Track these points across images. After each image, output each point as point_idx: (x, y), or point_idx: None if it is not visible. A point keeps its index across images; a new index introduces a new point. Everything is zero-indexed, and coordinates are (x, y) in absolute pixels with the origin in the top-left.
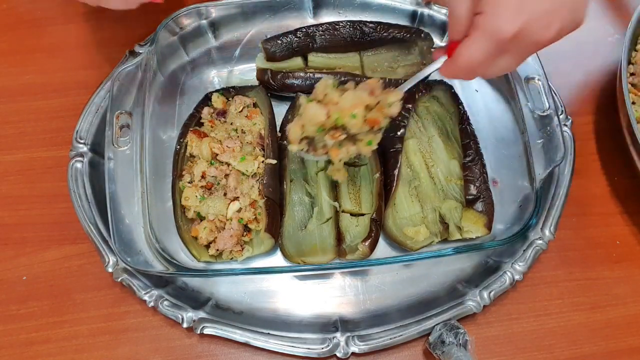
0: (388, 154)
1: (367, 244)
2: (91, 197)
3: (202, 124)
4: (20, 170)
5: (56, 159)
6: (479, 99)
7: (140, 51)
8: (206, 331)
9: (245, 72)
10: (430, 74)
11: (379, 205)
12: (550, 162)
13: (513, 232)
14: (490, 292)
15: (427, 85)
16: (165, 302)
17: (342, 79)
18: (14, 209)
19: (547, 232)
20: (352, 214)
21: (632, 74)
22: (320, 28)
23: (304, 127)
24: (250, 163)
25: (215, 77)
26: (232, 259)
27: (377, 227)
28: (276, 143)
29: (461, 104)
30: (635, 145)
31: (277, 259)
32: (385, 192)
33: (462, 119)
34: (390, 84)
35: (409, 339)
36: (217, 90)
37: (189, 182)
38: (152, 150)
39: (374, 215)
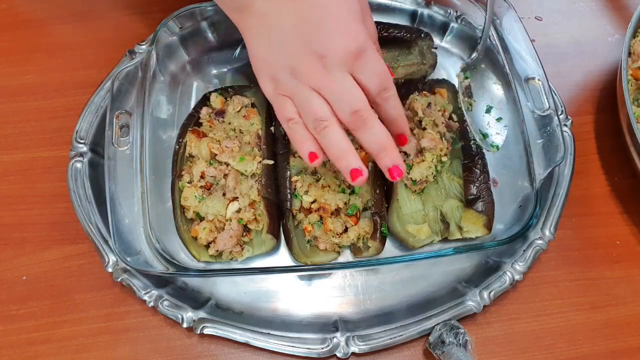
0: None
1: (376, 239)
2: (91, 197)
3: (200, 124)
4: (20, 170)
5: (56, 159)
6: (480, 99)
7: (140, 51)
8: (206, 331)
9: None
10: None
11: (376, 198)
12: (550, 162)
13: (513, 232)
14: (490, 292)
15: (427, 83)
16: (165, 302)
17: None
18: (14, 209)
19: (547, 232)
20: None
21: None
22: None
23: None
24: (249, 163)
25: (215, 77)
26: (232, 259)
27: (380, 219)
28: (272, 146)
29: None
30: (635, 145)
31: (277, 259)
32: (387, 187)
33: (464, 118)
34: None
35: (409, 339)
36: (215, 90)
37: (188, 182)
38: (152, 150)
39: (373, 208)
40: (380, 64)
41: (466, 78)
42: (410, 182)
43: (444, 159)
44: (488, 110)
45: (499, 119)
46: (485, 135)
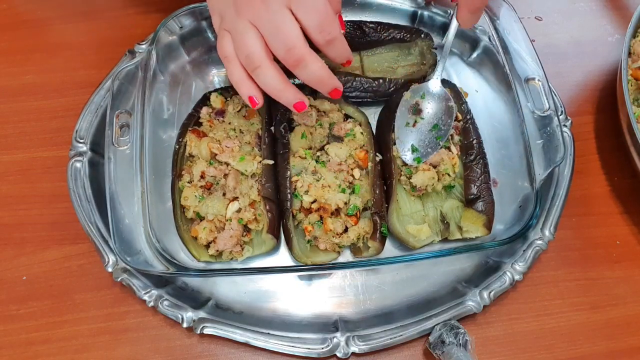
0: (386, 148)
1: (376, 239)
2: (91, 197)
3: (201, 124)
4: (20, 170)
5: (56, 159)
6: (479, 99)
7: (140, 51)
8: (206, 331)
9: None
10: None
11: (376, 198)
12: (550, 162)
13: (513, 232)
14: (490, 292)
15: None
16: (165, 302)
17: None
18: (14, 209)
19: (547, 232)
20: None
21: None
22: None
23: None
24: (249, 163)
25: (215, 76)
26: (232, 259)
27: (380, 219)
28: (272, 146)
29: (465, 102)
30: (635, 145)
31: (277, 259)
32: (386, 187)
33: (466, 117)
34: (391, 83)
35: (409, 339)
36: (215, 90)
37: (188, 182)
38: (152, 150)
39: (373, 208)
40: (321, 1)
41: (422, 97)
42: (409, 188)
43: (457, 169)
44: (433, 129)
45: (438, 137)
46: (415, 150)
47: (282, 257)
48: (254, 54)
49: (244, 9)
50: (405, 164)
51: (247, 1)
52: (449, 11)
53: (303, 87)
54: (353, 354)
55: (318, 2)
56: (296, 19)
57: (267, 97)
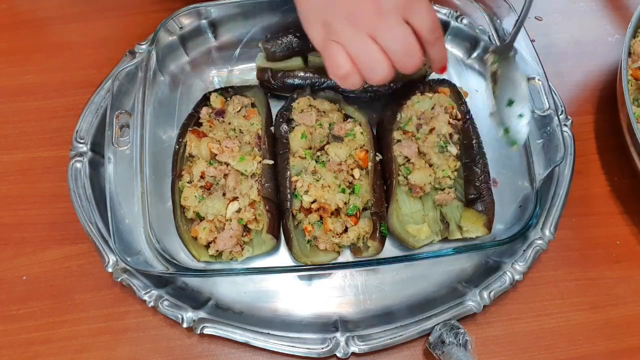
0: (386, 148)
1: (376, 239)
2: (91, 197)
3: (200, 124)
4: (20, 170)
5: (56, 159)
6: (479, 98)
7: (140, 51)
8: (206, 331)
9: (245, 72)
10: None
11: (376, 198)
12: (550, 162)
13: (513, 232)
14: (490, 292)
15: (428, 83)
16: (165, 302)
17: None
18: (14, 209)
19: (547, 232)
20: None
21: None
22: None
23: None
24: (249, 163)
25: (215, 76)
26: (232, 259)
27: (380, 219)
28: (272, 146)
29: (464, 102)
30: (635, 145)
31: (277, 259)
32: (386, 187)
33: (465, 117)
34: (391, 83)
35: (409, 339)
36: (215, 90)
37: (188, 182)
38: (152, 150)
39: (373, 208)
40: (430, 7)
41: (494, 63)
42: (407, 189)
43: (457, 168)
44: (509, 104)
45: (520, 116)
46: (506, 130)
47: (282, 257)
48: (380, 67)
49: (361, 22)
50: (404, 163)
51: (362, 14)
52: (449, 11)
53: (301, 87)
54: (353, 354)
55: (429, 6)
56: (410, 25)
57: (266, 98)
